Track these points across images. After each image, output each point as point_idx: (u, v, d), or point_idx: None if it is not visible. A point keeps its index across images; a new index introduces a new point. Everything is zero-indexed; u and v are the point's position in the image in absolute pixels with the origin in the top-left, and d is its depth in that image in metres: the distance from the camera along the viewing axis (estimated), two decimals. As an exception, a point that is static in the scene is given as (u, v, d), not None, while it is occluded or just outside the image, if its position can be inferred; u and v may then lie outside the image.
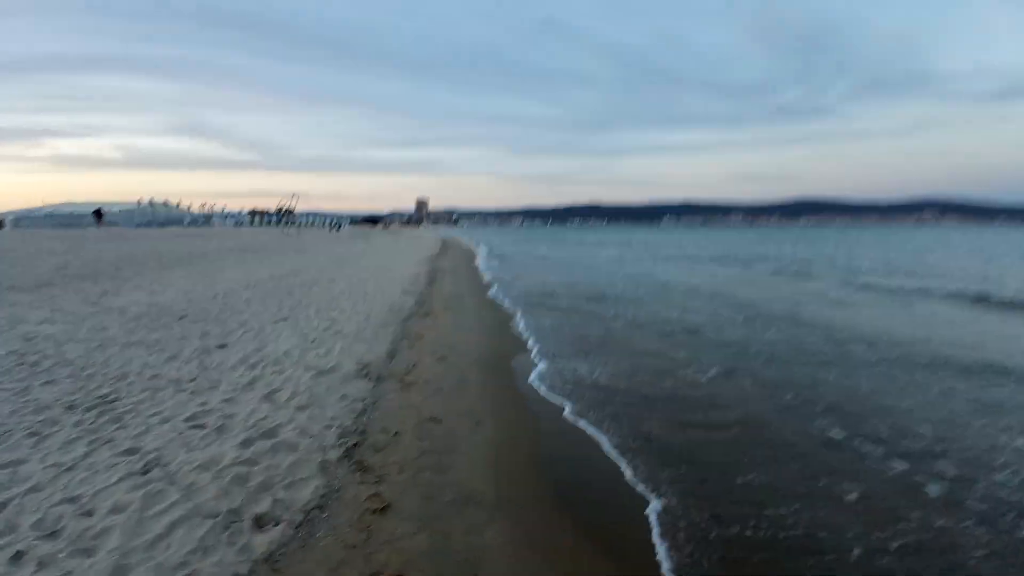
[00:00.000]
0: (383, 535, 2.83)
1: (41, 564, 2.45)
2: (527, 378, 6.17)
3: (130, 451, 3.65)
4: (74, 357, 6.02)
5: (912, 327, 9.94)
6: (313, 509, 2.98)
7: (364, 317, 8.80)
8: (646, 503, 3.50)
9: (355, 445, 3.88)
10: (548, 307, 11.68)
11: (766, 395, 5.97)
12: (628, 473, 3.94)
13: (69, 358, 5.98)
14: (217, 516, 2.81)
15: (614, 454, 4.22)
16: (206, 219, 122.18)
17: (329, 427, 4.14)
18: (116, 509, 2.91)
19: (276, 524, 2.82)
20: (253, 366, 5.73)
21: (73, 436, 3.96)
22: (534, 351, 7.47)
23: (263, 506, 2.96)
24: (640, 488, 3.70)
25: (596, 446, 4.36)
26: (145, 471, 3.32)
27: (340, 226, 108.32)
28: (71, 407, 4.51)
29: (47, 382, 5.14)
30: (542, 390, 5.74)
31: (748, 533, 3.21)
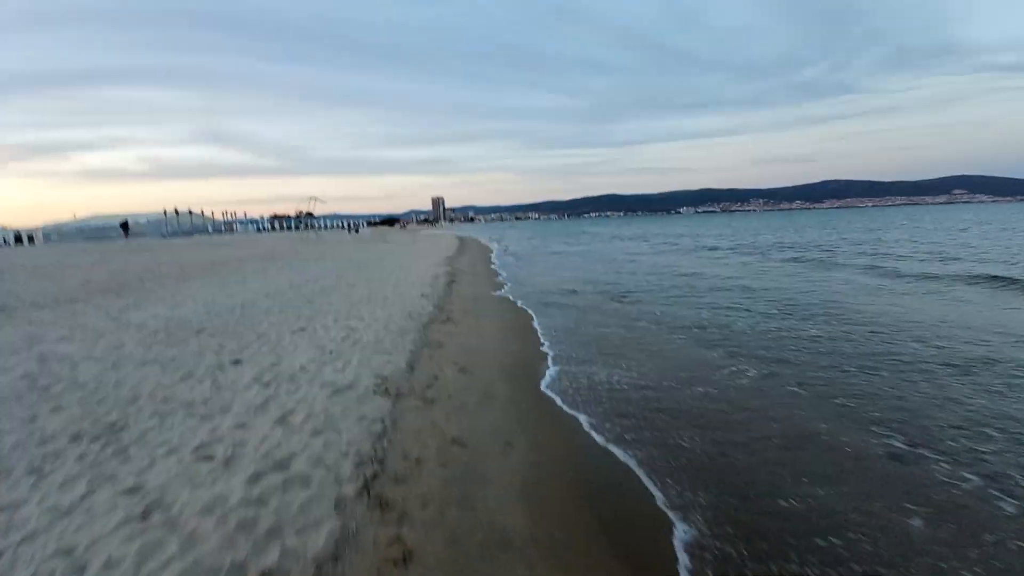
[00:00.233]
0: (405, 591, 2.48)
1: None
2: (551, 389, 5.77)
3: (132, 490, 3.37)
4: (87, 379, 5.84)
5: (962, 317, 9.22)
6: (326, 561, 2.64)
7: (383, 325, 8.50)
8: (677, 531, 3.14)
9: (373, 476, 3.54)
10: (568, 307, 11.24)
11: (812, 401, 5.47)
12: (660, 497, 3.55)
13: (81, 380, 5.80)
14: (218, 573, 2.49)
15: (647, 477, 3.82)
16: (228, 226, 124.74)
17: (345, 455, 3.80)
18: (110, 564, 2.61)
19: (285, 581, 2.49)
20: (267, 384, 5.45)
21: (75, 472, 3.71)
22: (557, 358, 7.07)
23: (270, 558, 2.63)
24: (672, 515, 3.34)
25: (628, 469, 3.95)
26: (145, 515, 3.03)
27: (358, 228, 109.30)
28: (77, 437, 4.28)
29: (56, 408, 4.94)
30: (568, 403, 5.33)
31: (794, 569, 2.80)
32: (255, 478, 3.42)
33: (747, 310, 10.37)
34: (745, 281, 14.81)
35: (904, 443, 4.47)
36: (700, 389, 5.78)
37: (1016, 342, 7.46)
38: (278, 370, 5.94)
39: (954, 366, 6.43)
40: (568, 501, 3.46)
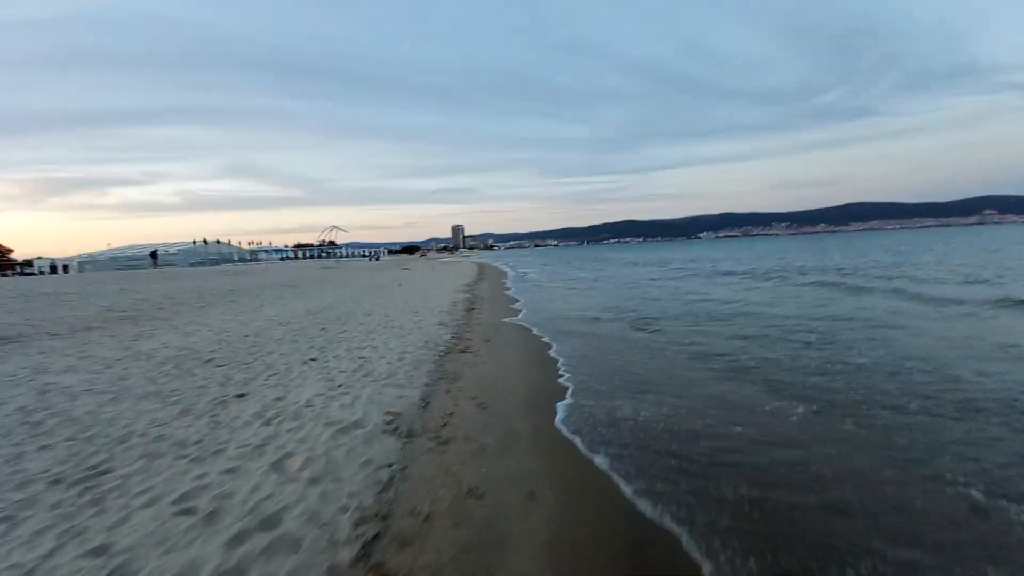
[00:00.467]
0: None
1: None
2: (575, 429, 5.19)
3: (98, 551, 2.92)
4: (82, 414, 5.49)
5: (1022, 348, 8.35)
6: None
7: (397, 356, 8.06)
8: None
9: (375, 538, 3.02)
10: (589, 335, 10.61)
11: (872, 445, 4.76)
12: (709, 570, 2.95)
13: (76, 415, 5.45)
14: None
15: (689, 537, 3.22)
16: (253, 255, 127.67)
17: (344, 509, 3.30)
18: (49, 658, 2.14)
19: None
20: (269, 421, 5.01)
21: (46, 523, 3.29)
22: (580, 392, 6.48)
23: (241, 654, 2.13)
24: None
25: (666, 530, 3.35)
26: (104, 588, 2.56)
27: (378, 256, 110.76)
28: (57, 481, 3.88)
29: (43, 447, 4.56)
30: (594, 447, 4.73)
31: None
32: (237, 539, 2.93)
33: (782, 339, 9.61)
34: (776, 308, 14.00)
35: (983, 493, 3.82)
36: (739, 429, 5.13)
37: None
38: (282, 406, 5.51)
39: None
40: (602, 569, 2.88)
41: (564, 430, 5.11)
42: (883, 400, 6.01)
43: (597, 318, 13.24)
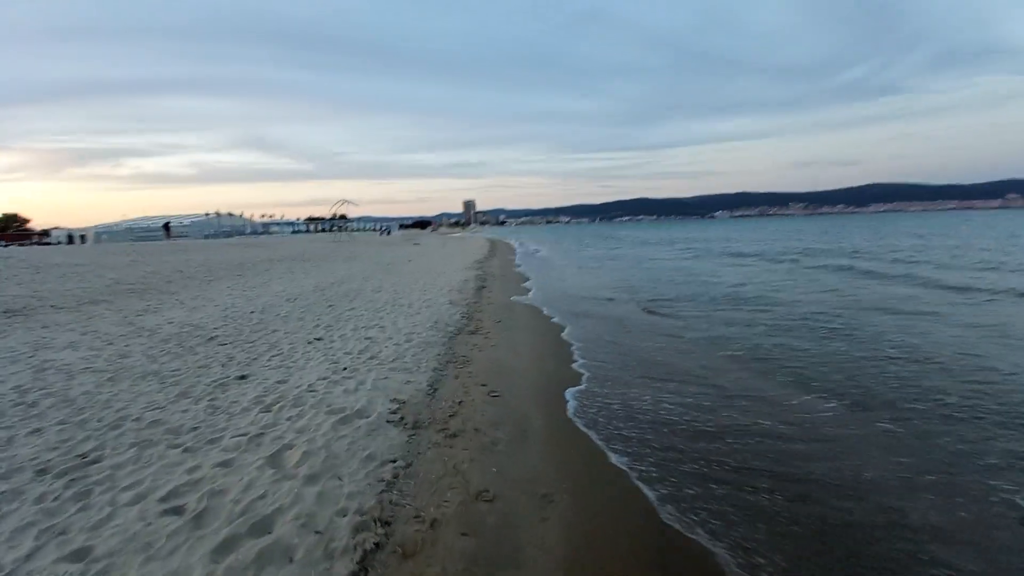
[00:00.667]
0: None
1: None
2: (592, 423, 4.88)
3: (77, 555, 2.69)
4: (78, 394, 5.28)
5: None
6: None
7: (405, 336, 7.78)
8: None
9: (375, 547, 2.75)
10: (603, 318, 10.22)
11: (915, 443, 4.43)
12: None
13: (72, 396, 5.25)
14: None
15: (727, 553, 2.91)
16: (266, 228, 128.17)
17: (343, 513, 3.03)
18: None
19: None
20: (269, 408, 4.76)
21: (28, 519, 3.08)
22: (596, 381, 6.15)
23: None
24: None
25: (698, 542, 3.04)
26: (75, 603, 2.32)
27: (389, 231, 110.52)
28: (43, 471, 3.66)
29: (34, 431, 4.36)
30: (612, 441, 4.42)
31: None
32: (224, 547, 2.68)
33: (804, 326, 9.16)
34: (795, 292, 13.49)
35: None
36: (768, 425, 4.79)
37: None
38: (283, 390, 5.26)
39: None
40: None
41: (579, 423, 4.80)
42: (918, 394, 5.63)
43: (611, 299, 12.85)
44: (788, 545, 3.03)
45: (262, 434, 4.13)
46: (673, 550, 2.97)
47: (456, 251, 34.37)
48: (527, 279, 17.77)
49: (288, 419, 4.45)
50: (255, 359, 6.55)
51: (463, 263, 22.98)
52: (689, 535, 3.10)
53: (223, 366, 6.23)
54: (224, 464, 3.62)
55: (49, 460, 3.85)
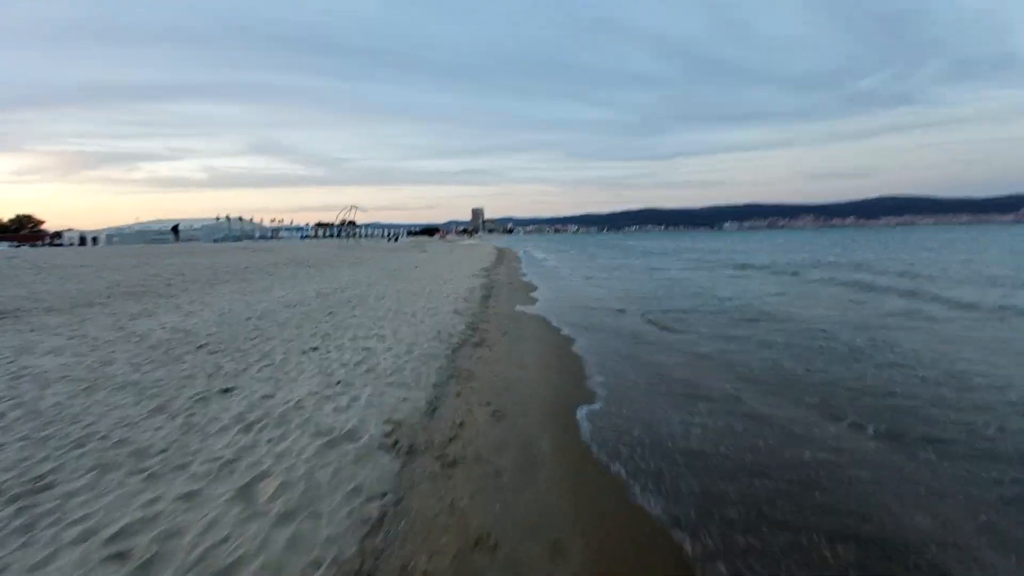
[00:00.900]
0: None
1: None
2: (609, 452, 4.37)
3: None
4: (48, 406, 4.87)
5: None
6: None
7: (406, 348, 7.32)
8: None
9: (352, 614, 2.27)
10: (613, 333, 9.62)
11: (963, 477, 3.92)
12: None
13: (41, 407, 4.83)
14: None
15: None
16: (274, 232, 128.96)
17: (317, 564, 2.56)
18: None
19: None
20: (249, 427, 4.30)
21: (-41, 556, 2.63)
22: (611, 402, 5.64)
23: None
24: None
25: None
26: None
27: (397, 237, 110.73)
28: (-10, 496, 3.23)
29: (-8, 447, 3.94)
30: (630, 472, 3.91)
31: None
32: (168, 612, 2.21)
33: (827, 344, 8.50)
34: (814, 307, 12.83)
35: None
36: (807, 457, 4.25)
37: None
38: (268, 406, 4.80)
39: None
40: None
41: (594, 449, 4.30)
42: (957, 421, 5.08)
43: (621, 310, 12.31)
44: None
45: (237, 459, 3.67)
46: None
47: (463, 258, 34.00)
48: (534, 288, 17.29)
49: (269, 441, 3.99)
50: (244, 370, 6.11)
51: (470, 271, 22.56)
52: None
53: (209, 377, 5.80)
54: (187, 497, 3.16)
55: (3, 482, 3.42)
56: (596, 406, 5.40)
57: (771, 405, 5.51)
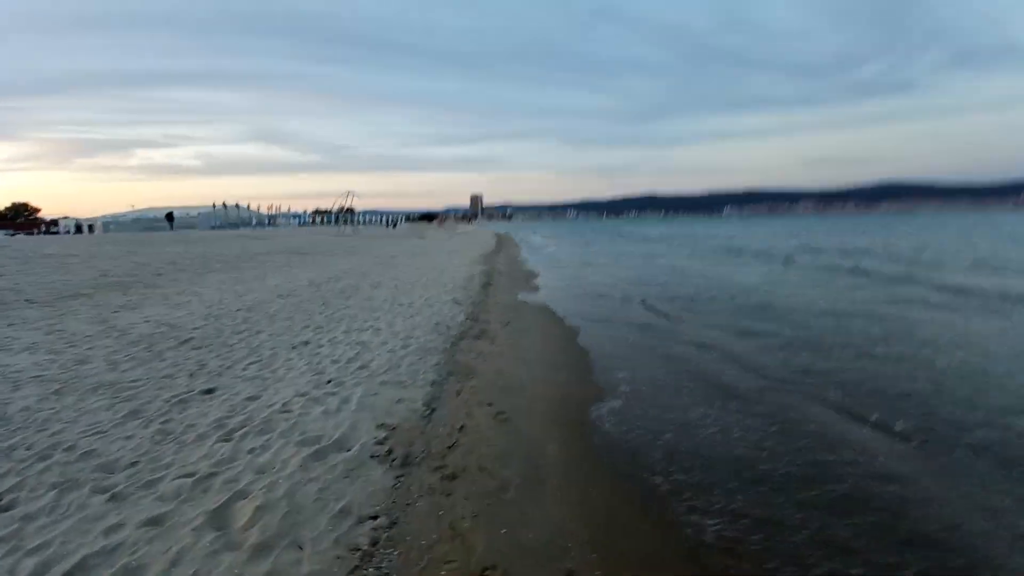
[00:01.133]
0: None
1: None
2: (625, 457, 4.02)
3: None
4: (16, 411, 4.48)
5: None
6: None
7: (402, 341, 6.94)
8: None
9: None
10: (621, 323, 9.21)
11: (1004, 478, 3.58)
12: None
13: (9, 413, 4.44)
14: None
15: None
16: (271, 220, 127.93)
17: (296, 610, 2.19)
18: None
19: None
20: (230, 435, 3.93)
21: None
22: (621, 398, 5.29)
23: None
24: None
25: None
26: None
27: (396, 224, 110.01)
28: (-65, 521, 2.86)
29: (-54, 461, 3.57)
30: (659, 492, 3.56)
31: None
32: None
33: (844, 335, 8.10)
34: (825, 295, 12.42)
35: None
36: (847, 468, 3.86)
37: None
38: (252, 410, 4.43)
39: None
40: None
41: (608, 458, 3.94)
42: (987, 420, 4.72)
43: (625, 299, 11.93)
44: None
45: (213, 474, 3.30)
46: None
47: (462, 245, 33.54)
48: (536, 276, 16.89)
49: (250, 452, 3.62)
50: (229, 367, 5.73)
51: (469, 258, 22.13)
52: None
53: (190, 376, 5.41)
54: (153, 522, 2.79)
55: (-51, 506, 3.05)
56: (606, 405, 5.03)
57: (790, 407, 5.12)
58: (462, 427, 4.28)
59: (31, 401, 4.74)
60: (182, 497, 3.05)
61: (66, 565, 2.50)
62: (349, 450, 3.69)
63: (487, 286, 13.26)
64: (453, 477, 3.45)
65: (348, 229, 68.53)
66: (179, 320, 8.28)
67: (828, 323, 9.03)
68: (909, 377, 5.99)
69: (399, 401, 4.77)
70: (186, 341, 6.91)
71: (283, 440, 3.80)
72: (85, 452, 3.69)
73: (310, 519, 2.84)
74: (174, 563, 2.46)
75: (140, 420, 4.27)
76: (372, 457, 3.61)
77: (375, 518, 2.91)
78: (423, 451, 3.80)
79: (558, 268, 20.31)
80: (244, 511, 2.88)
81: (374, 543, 2.70)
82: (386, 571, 2.51)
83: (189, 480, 3.22)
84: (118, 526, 2.78)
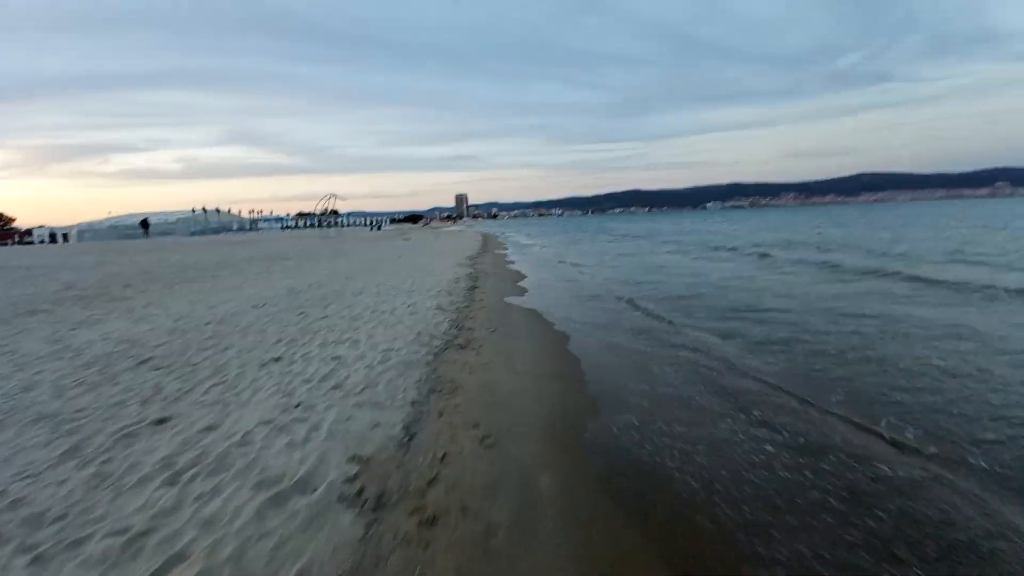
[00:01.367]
0: None
1: None
2: (632, 492, 3.61)
3: None
4: (-61, 451, 3.96)
5: None
6: None
7: (381, 354, 6.48)
8: None
9: None
10: (611, 327, 8.71)
11: None
12: None
13: (-68, 453, 3.92)
14: None
15: None
16: (253, 224, 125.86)
17: None
18: None
19: None
20: (177, 475, 3.45)
21: None
22: (619, 413, 4.89)
23: None
24: None
25: None
26: None
27: (380, 226, 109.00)
28: None
29: None
30: (668, 524, 3.16)
31: None
32: None
33: (842, 332, 7.83)
34: (816, 291, 12.18)
35: None
36: (894, 504, 3.54)
37: None
38: (208, 443, 3.94)
39: None
40: None
41: (612, 490, 3.52)
42: (998, 428, 4.40)
43: (616, 299, 11.55)
44: None
45: (149, 531, 2.82)
46: None
47: (447, 246, 33.01)
48: (522, 277, 16.47)
49: (197, 499, 3.14)
50: (189, 391, 5.22)
51: (454, 259, 21.64)
52: None
53: (143, 403, 4.89)
54: (65, 602, 2.32)
55: None
56: (603, 422, 4.63)
57: (802, 416, 4.77)
58: (444, 456, 3.84)
59: (-42, 439, 4.20)
60: (108, 563, 2.57)
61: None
62: (314, 491, 3.23)
63: (473, 289, 12.81)
64: (433, 521, 3.01)
65: (332, 232, 67.44)
66: (141, 336, 7.71)
67: (819, 321, 8.72)
68: (914, 378, 5.68)
69: (375, 426, 4.31)
70: (145, 361, 6.37)
71: (238, 482, 3.33)
72: (15, 500, 3.20)
73: (260, 588, 2.39)
74: (83, 661, 1.99)
75: (78, 460, 3.76)
76: (340, 500, 3.15)
77: (339, 583, 2.47)
78: (399, 488, 3.35)
79: (544, 268, 19.90)
80: (180, 581, 2.42)
81: (335, 618, 2.25)
82: (348, 658, 2.07)
83: (119, 540, 2.74)
84: (22, 609, 2.30)
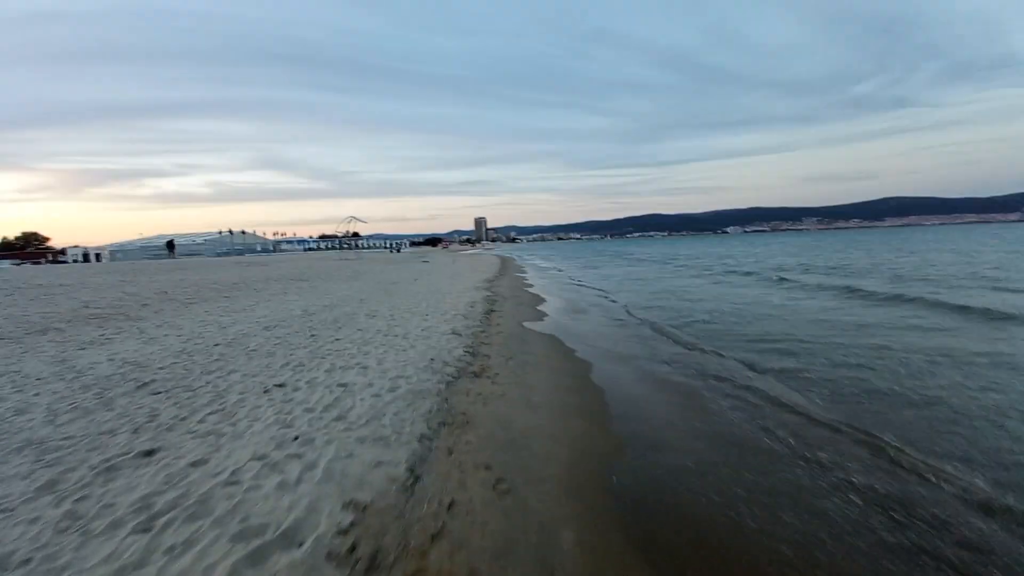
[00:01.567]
0: None
1: None
2: (654, 543, 3.11)
3: None
4: (-89, 482, 3.66)
5: None
6: None
7: (390, 382, 6.09)
8: None
9: None
10: (636, 356, 8.29)
11: None
12: None
13: (-96, 484, 3.62)
14: None
15: None
16: (276, 246, 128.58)
17: None
18: None
19: None
20: (152, 519, 3.07)
21: None
22: (650, 454, 4.39)
23: None
24: None
25: None
26: None
27: (399, 248, 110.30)
28: None
29: None
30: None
31: None
32: None
33: (888, 370, 7.24)
34: (853, 329, 11.54)
35: None
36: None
37: None
38: (192, 481, 3.57)
39: None
40: None
41: (650, 555, 3.02)
42: None
43: (639, 325, 11.06)
44: None
45: (107, 593, 2.43)
46: None
47: (465, 269, 32.82)
48: (541, 301, 16.05)
49: (167, 551, 2.75)
50: (183, 419, 4.88)
51: (472, 282, 21.34)
52: None
53: (134, 432, 4.57)
54: None
55: None
56: (633, 466, 4.14)
57: (850, 455, 4.22)
58: (451, 504, 3.40)
59: (-62, 467, 3.91)
60: (51, 637, 2.18)
61: None
62: (300, 546, 2.81)
63: (489, 313, 12.42)
64: (434, 592, 2.56)
65: (352, 254, 68.22)
66: (148, 358, 7.47)
67: (852, 353, 8.08)
68: (967, 425, 5.05)
69: (377, 465, 3.89)
70: (146, 384, 6.09)
71: (216, 531, 2.93)
72: (-38, 551, 2.84)
73: None
74: None
75: (54, 495, 3.42)
76: (328, 558, 2.72)
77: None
78: (398, 545, 2.91)
79: (564, 292, 19.46)
80: (127, 665, 2.01)
81: None
82: None
83: (71, 606, 2.36)
84: None
